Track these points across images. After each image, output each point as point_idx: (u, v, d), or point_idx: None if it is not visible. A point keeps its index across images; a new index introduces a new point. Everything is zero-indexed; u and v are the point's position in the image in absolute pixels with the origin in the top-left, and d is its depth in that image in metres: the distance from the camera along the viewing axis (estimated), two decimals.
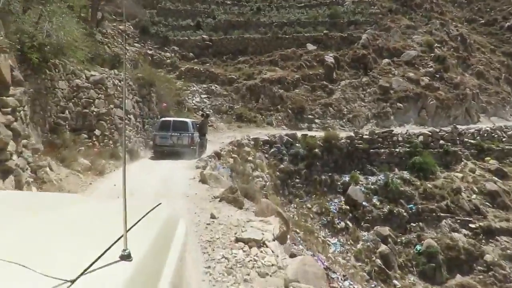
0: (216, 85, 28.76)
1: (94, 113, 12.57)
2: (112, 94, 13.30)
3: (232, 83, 29.18)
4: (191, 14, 37.12)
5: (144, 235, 1.40)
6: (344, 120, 27.17)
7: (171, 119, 15.39)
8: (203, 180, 10.39)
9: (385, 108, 27.59)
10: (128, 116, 13.80)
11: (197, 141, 15.00)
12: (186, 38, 33.52)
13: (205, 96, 27.90)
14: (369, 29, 33.27)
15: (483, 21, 44.96)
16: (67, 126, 11.18)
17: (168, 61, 31.30)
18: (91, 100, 12.63)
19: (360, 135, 23.76)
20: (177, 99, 22.58)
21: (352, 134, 24.01)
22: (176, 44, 33.20)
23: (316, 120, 26.95)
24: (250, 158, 18.34)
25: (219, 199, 8.54)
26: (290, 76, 29.10)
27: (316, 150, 22.78)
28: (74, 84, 11.54)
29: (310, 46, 32.15)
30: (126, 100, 13.83)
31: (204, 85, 28.81)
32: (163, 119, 15.63)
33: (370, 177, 22.54)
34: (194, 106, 26.07)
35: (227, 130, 24.81)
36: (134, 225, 1.43)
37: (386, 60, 31.80)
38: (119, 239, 1.23)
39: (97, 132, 12.64)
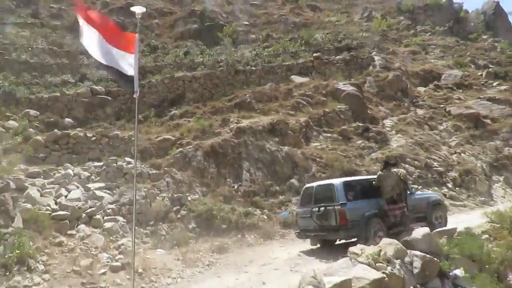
0: (127, 159, 11.71)
1: None
2: None
3: (167, 150, 12.55)
4: (70, 69, 21.06)
5: None
6: (447, 183, 11.85)
7: (315, 184, 8.62)
8: None
9: (504, 151, 13.37)
10: None
11: (362, 217, 7.29)
12: (58, 94, 16.88)
13: (101, 185, 10.46)
14: (374, 52, 21.04)
15: None
16: None
17: (11, 131, 13.72)
18: None
19: None
20: None
21: None
22: (36, 107, 16.15)
23: None
24: None
25: None
26: (292, 120, 13.76)
27: None
28: None
29: (298, 78, 18.07)
30: None
31: (98, 163, 11.56)
32: (307, 185, 9.03)
33: None
34: (64, 212, 8.39)
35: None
36: None
37: (423, 88, 19.09)
38: None
39: None
